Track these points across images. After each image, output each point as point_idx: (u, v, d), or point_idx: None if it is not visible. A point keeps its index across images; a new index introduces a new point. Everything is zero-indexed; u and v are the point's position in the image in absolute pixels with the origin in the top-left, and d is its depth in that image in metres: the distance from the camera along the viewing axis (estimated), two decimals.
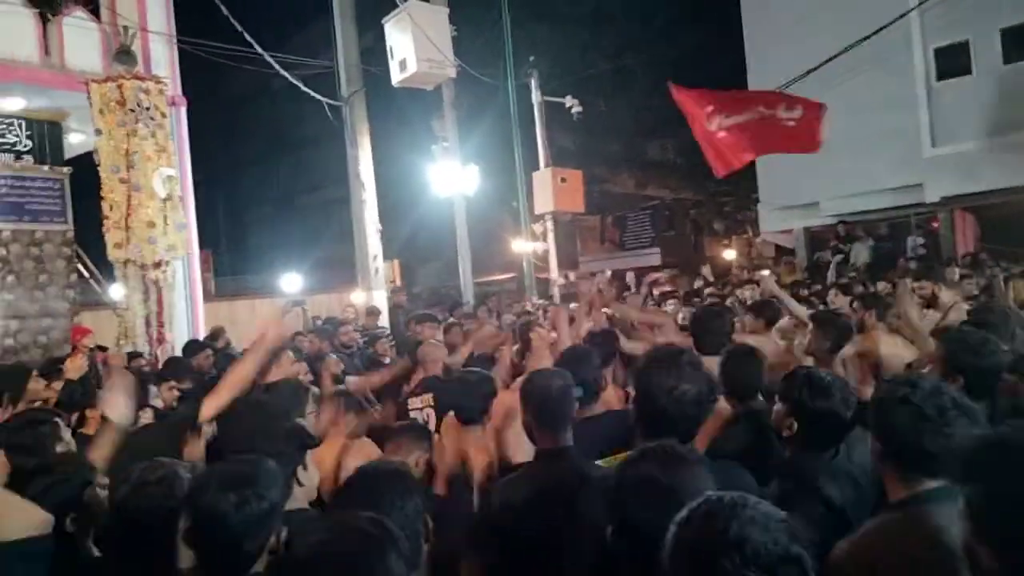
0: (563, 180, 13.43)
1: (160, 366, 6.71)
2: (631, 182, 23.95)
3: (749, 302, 6.42)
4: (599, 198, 21.56)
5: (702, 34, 19.34)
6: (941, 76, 13.70)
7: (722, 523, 1.15)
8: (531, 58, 13.80)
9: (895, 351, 3.93)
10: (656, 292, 9.86)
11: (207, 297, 13.19)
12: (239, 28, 9.33)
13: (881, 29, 12.66)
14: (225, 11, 9.04)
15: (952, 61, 13.55)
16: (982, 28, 13.08)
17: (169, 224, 8.30)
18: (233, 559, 1.71)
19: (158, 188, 8.18)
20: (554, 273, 14.05)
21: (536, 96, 13.93)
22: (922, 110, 13.86)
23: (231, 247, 31.10)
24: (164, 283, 8.48)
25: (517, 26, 13.08)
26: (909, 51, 13.80)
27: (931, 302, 5.69)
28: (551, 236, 13.83)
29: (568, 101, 13.90)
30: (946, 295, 5.70)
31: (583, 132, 19.31)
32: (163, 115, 8.42)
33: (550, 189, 13.22)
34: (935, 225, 14.87)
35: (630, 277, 15.07)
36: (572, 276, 15.80)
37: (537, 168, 13.78)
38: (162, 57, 9.30)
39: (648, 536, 1.51)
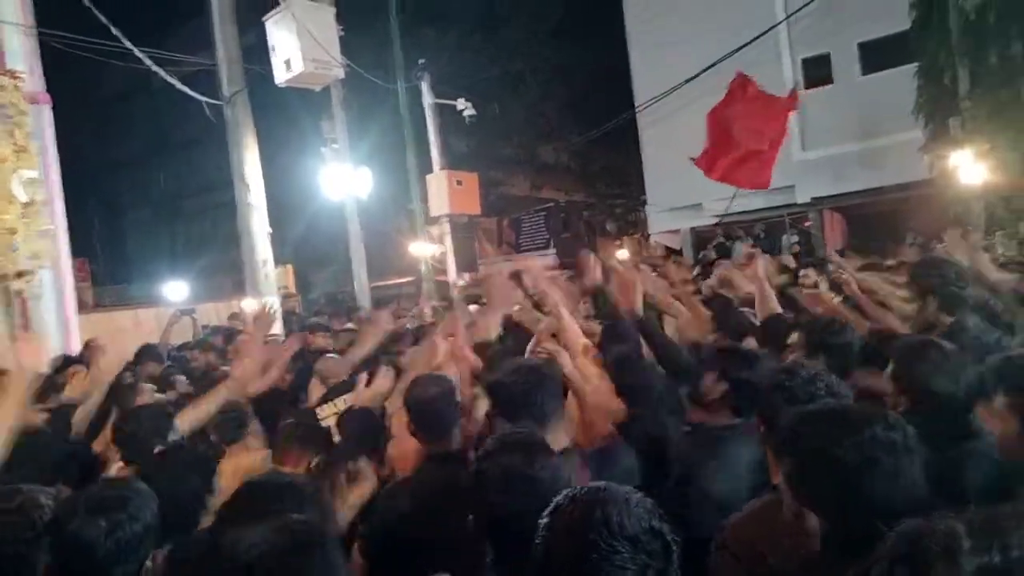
0: (459, 183, 13.48)
1: None
2: (526, 184, 24.28)
3: None
4: (495, 200, 21.73)
5: (590, 40, 19.86)
6: (809, 85, 14.68)
7: (590, 506, 1.26)
8: (421, 61, 13.73)
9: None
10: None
11: (84, 308, 12.37)
12: (104, 20, 8.77)
13: (753, 40, 13.48)
14: (87, 2, 8.46)
15: (817, 71, 14.57)
16: (842, 41, 14.12)
17: (32, 231, 7.71)
18: None
19: (18, 192, 7.58)
20: (452, 276, 14.05)
21: (428, 98, 13.90)
22: (792, 116, 14.79)
23: (110, 254, 29.26)
24: (29, 294, 7.87)
25: (408, 29, 13.02)
26: (779, 61, 14.71)
27: (814, 287, 6.26)
28: (448, 239, 13.83)
29: (460, 104, 13.93)
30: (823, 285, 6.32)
31: (477, 135, 19.40)
32: (22, 112, 7.81)
33: (446, 191, 13.23)
34: (807, 224, 15.90)
35: (528, 280, 15.29)
36: (468, 277, 15.85)
37: (432, 171, 13.75)
38: (18, 50, 8.57)
39: (510, 524, 1.61)
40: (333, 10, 10.71)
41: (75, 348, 8.27)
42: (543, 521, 1.31)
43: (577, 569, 1.22)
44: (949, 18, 11.10)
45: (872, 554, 1.05)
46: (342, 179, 12.61)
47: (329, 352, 5.15)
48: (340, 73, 10.69)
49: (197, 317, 8.88)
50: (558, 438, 2.26)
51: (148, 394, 4.19)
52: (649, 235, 19.54)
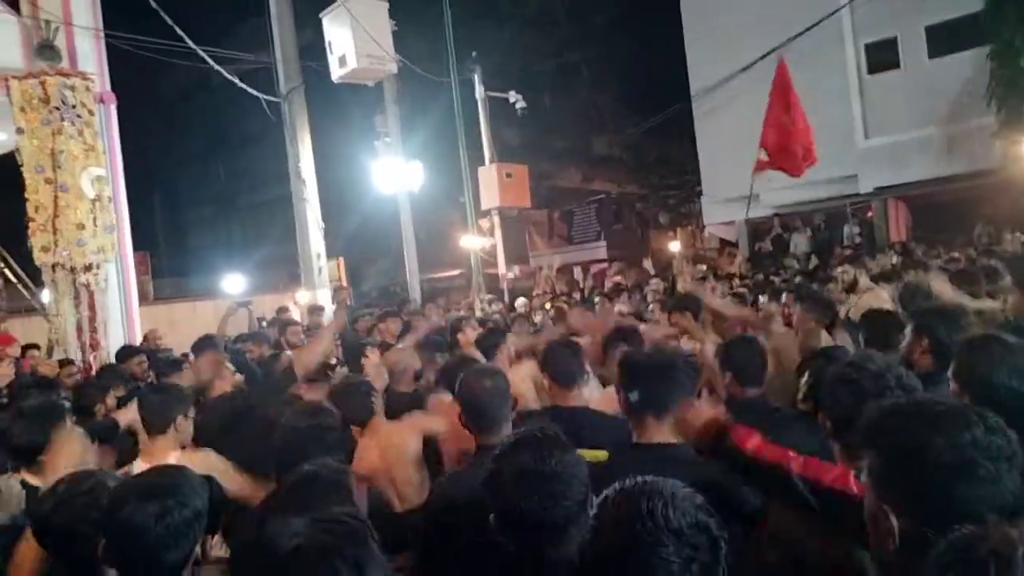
0: (509, 175, 13.45)
1: (94, 373, 6.49)
2: (577, 176, 24.13)
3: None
4: (546, 193, 21.66)
5: (644, 31, 19.58)
6: (872, 70, 14.17)
7: (636, 498, 1.25)
8: (473, 54, 13.73)
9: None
10: (606, 284, 10.00)
11: (144, 300, 12.81)
12: (169, 21, 9.01)
13: (814, 25, 13.06)
14: (154, 4, 8.71)
15: (882, 56, 14.04)
16: (908, 25, 13.56)
17: (99, 226, 7.98)
18: (156, 573, 1.65)
19: (86, 188, 7.86)
20: (502, 268, 14.06)
21: (480, 92, 13.89)
22: (855, 103, 14.32)
23: (170, 248, 30.24)
24: (96, 287, 8.16)
25: (460, 22, 13.01)
26: (842, 47, 14.23)
27: (851, 287, 6.08)
28: (498, 231, 13.83)
29: (512, 96, 13.90)
30: (864, 280, 6.16)
31: (528, 128, 19.36)
32: (90, 112, 8.09)
33: (496, 185, 13.22)
34: (869, 214, 15.38)
35: (577, 272, 15.19)
36: (517, 270, 15.84)
37: (483, 164, 13.75)
38: (89, 52, 8.91)
39: (529, 522, 1.63)
40: (386, 5, 10.79)
41: (136, 339, 8.57)
42: (593, 513, 1.32)
43: (622, 561, 1.22)
44: None
45: (926, 559, 1.03)
46: (394, 173, 12.72)
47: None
48: (393, 68, 10.78)
49: (253, 309, 9.05)
50: None
51: (229, 377, 4.32)
52: (704, 227, 19.20)
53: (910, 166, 13.60)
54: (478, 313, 9.63)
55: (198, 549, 1.74)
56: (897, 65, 13.97)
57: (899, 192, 14.58)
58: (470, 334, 4.87)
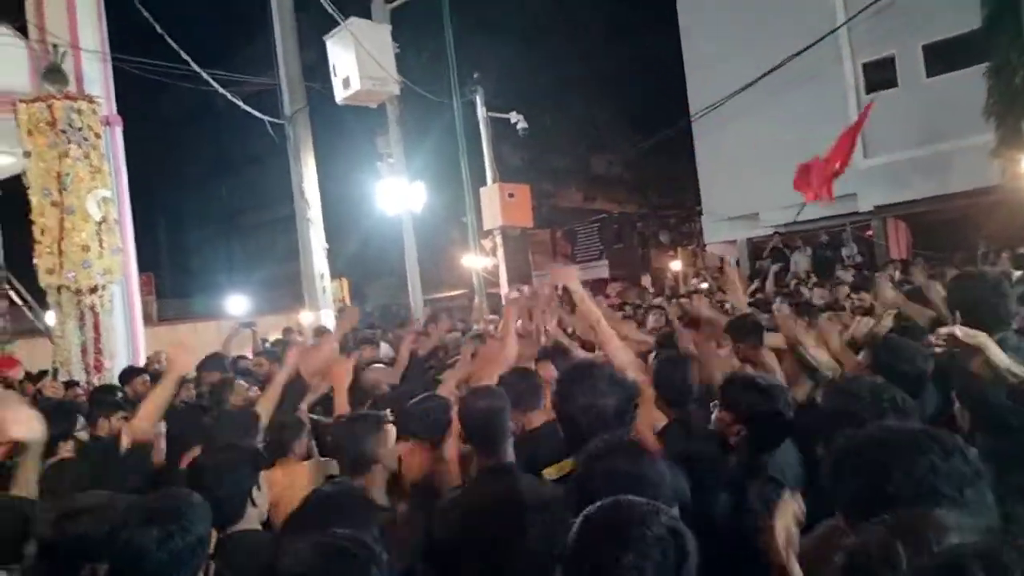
0: (511, 195, 13.51)
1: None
2: (578, 196, 24.25)
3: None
4: (547, 212, 21.76)
5: (644, 50, 19.76)
6: (870, 89, 14.26)
7: (610, 516, 1.30)
8: (475, 75, 13.86)
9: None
10: (605, 304, 9.97)
11: (149, 321, 12.84)
12: (174, 46, 9.13)
13: (813, 45, 13.18)
14: (159, 29, 8.84)
15: (880, 75, 14.14)
16: (906, 43, 13.68)
17: (105, 248, 8.04)
18: None
19: (92, 211, 7.92)
20: (504, 288, 14.08)
21: (481, 112, 14.00)
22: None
23: (174, 269, 30.27)
24: (101, 308, 8.20)
25: (460, 43, 13.14)
26: (840, 66, 14.34)
27: (868, 311, 5.97)
28: (500, 251, 13.87)
29: (514, 117, 14.00)
30: (880, 306, 6.04)
31: (530, 147, 19.48)
32: (97, 135, 8.17)
33: (498, 204, 13.28)
34: (869, 233, 15.41)
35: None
36: (525, 289, 15.85)
37: (485, 183, 13.83)
38: (95, 75, 9.04)
39: None
40: (389, 28, 10.93)
41: (141, 360, 8.59)
42: (577, 523, 1.35)
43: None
44: (1021, 16, 10.67)
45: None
46: (397, 193, 12.80)
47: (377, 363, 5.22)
48: (396, 90, 10.89)
49: (257, 330, 9.10)
50: None
51: (242, 392, 4.34)
52: (705, 246, 19.24)
53: (909, 185, 13.65)
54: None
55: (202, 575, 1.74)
56: (895, 84, 14.07)
57: (899, 211, 14.62)
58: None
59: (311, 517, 1.85)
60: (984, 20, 11.45)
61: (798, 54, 13.26)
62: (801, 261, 14.26)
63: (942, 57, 13.33)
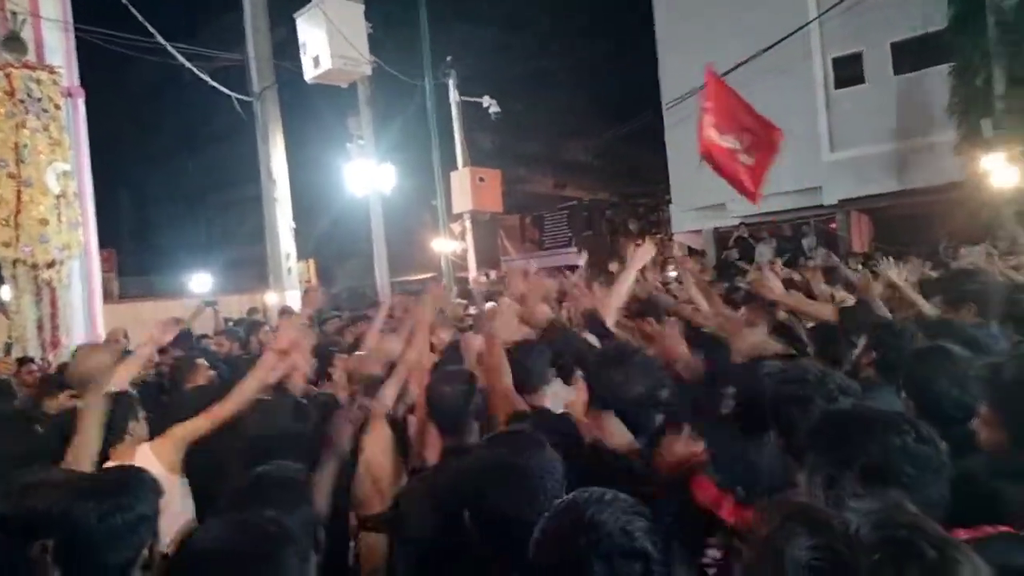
0: (481, 179, 13.48)
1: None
2: (550, 182, 24.26)
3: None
4: (519, 198, 21.73)
5: (618, 39, 19.77)
6: (839, 84, 14.48)
7: (577, 512, 1.26)
8: (448, 58, 13.75)
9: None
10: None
11: (109, 298, 12.56)
12: (140, 18, 8.91)
13: (784, 39, 13.33)
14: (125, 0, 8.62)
15: (848, 71, 14.35)
16: (874, 41, 13.89)
17: (63, 222, 7.86)
18: (98, 575, 1.63)
19: (51, 184, 7.74)
20: (472, 272, 14.07)
21: (454, 96, 13.92)
22: (821, 117, 14.62)
23: (137, 246, 29.67)
24: (59, 284, 8.03)
25: (435, 25, 13.03)
26: (809, 60, 14.52)
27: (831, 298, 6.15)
28: (469, 235, 13.85)
29: (486, 101, 13.93)
30: (842, 295, 6.21)
31: (502, 132, 19.42)
32: (56, 107, 7.97)
33: (468, 188, 13.24)
34: (833, 226, 15.70)
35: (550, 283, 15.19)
36: (492, 275, 15.86)
37: (455, 167, 13.78)
38: (57, 45, 8.76)
39: (505, 519, 1.62)
40: (362, 7, 10.78)
41: (100, 338, 8.43)
42: (542, 520, 1.33)
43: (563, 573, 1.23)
44: (985, 18, 10.90)
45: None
46: (367, 175, 12.69)
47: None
48: (367, 70, 10.77)
49: (219, 309, 8.94)
50: None
51: (204, 372, 4.28)
52: (672, 235, 19.42)
53: (873, 179, 13.92)
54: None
55: (146, 553, 1.72)
56: (863, 80, 14.30)
57: (862, 204, 14.91)
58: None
59: (242, 497, 1.83)
60: (950, 21, 11.68)
61: (769, 48, 13.41)
62: (765, 252, 14.47)
63: (909, 55, 13.56)
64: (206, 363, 4.50)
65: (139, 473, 1.80)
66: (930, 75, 12.80)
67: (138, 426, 2.98)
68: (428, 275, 20.71)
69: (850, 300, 5.44)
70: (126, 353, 4.71)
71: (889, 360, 2.62)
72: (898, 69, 13.85)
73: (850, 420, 1.41)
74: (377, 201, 13.31)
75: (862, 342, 2.90)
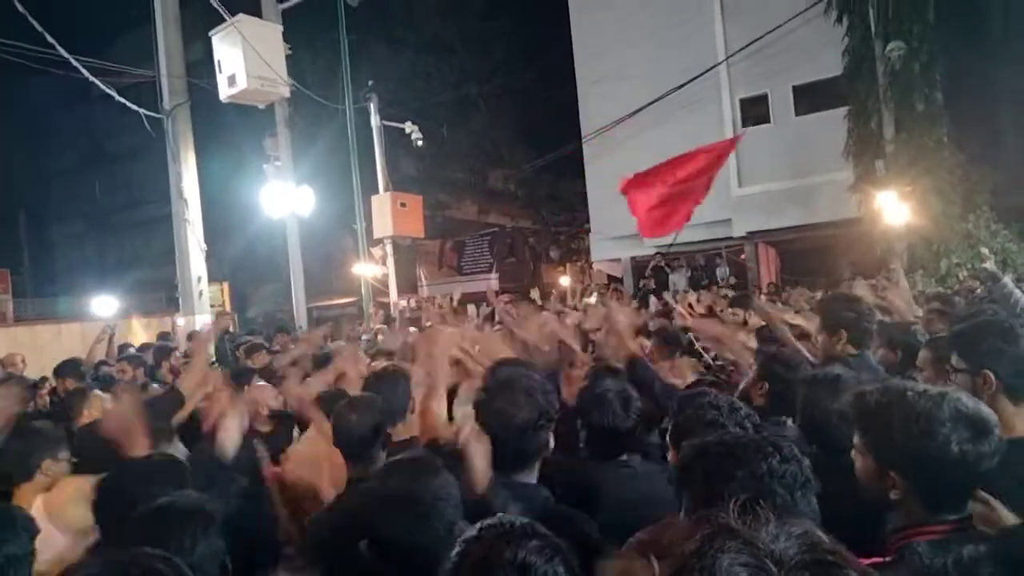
0: (403, 205, 13.42)
1: None
2: (473, 208, 24.39)
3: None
4: (441, 223, 21.75)
5: (541, 69, 20.20)
6: (746, 123, 15.22)
7: (496, 542, 1.26)
8: (370, 82, 13.71)
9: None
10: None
11: (3, 321, 11.83)
12: (38, 27, 8.52)
13: (695, 78, 13.97)
14: (20, 7, 8.21)
15: (754, 111, 15.13)
16: (778, 84, 14.71)
17: None
18: None
19: None
20: (394, 297, 13.93)
21: (375, 120, 13.86)
22: (731, 153, 15.29)
23: (37, 267, 28.07)
24: None
25: (359, 51, 13.01)
26: (719, 99, 15.23)
27: (744, 324, 6.44)
28: (391, 260, 13.73)
29: (408, 127, 13.94)
30: (754, 320, 6.52)
31: (425, 158, 19.45)
32: None
33: (389, 213, 13.15)
34: (743, 256, 16.40)
35: (471, 310, 15.22)
36: (414, 301, 15.74)
37: (377, 191, 13.68)
38: None
39: (401, 547, 1.64)
40: (280, 28, 10.67)
41: None
42: (459, 545, 1.32)
43: None
44: (877, 66, 11.72)
45: None
46: (284, 197, 12.44)
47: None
48: (285, 91, 10.63)
49: (114, 334, 8.30)
50: None
51: (99, 403, 4.05)
52: (592, 263, 19.82)
53: (778, 213, 14.64)
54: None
55: None
56: (768, 120, 15.09)
57: (769, 237, 15.65)
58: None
59: (139, 533, 1.76)
60: (844, 68, 12.49)
61: (681, 86, 14.03)
62: (679, 280, 14.97)
63: (809, 98, 14.41)
64: (101, 394, 4.28)
65: (12, 512, 1.71)
66: (829, 117, 13.60)
67: (55, 465, 2.73)
68: (348, 300, 20.40)
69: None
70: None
71: (778, 391, 2.75)
72: (800, 111, 14.69)
73: (720, 451, 1.48)
74: (294, 224, 13.06)
75: (750, 374, 3.03)
